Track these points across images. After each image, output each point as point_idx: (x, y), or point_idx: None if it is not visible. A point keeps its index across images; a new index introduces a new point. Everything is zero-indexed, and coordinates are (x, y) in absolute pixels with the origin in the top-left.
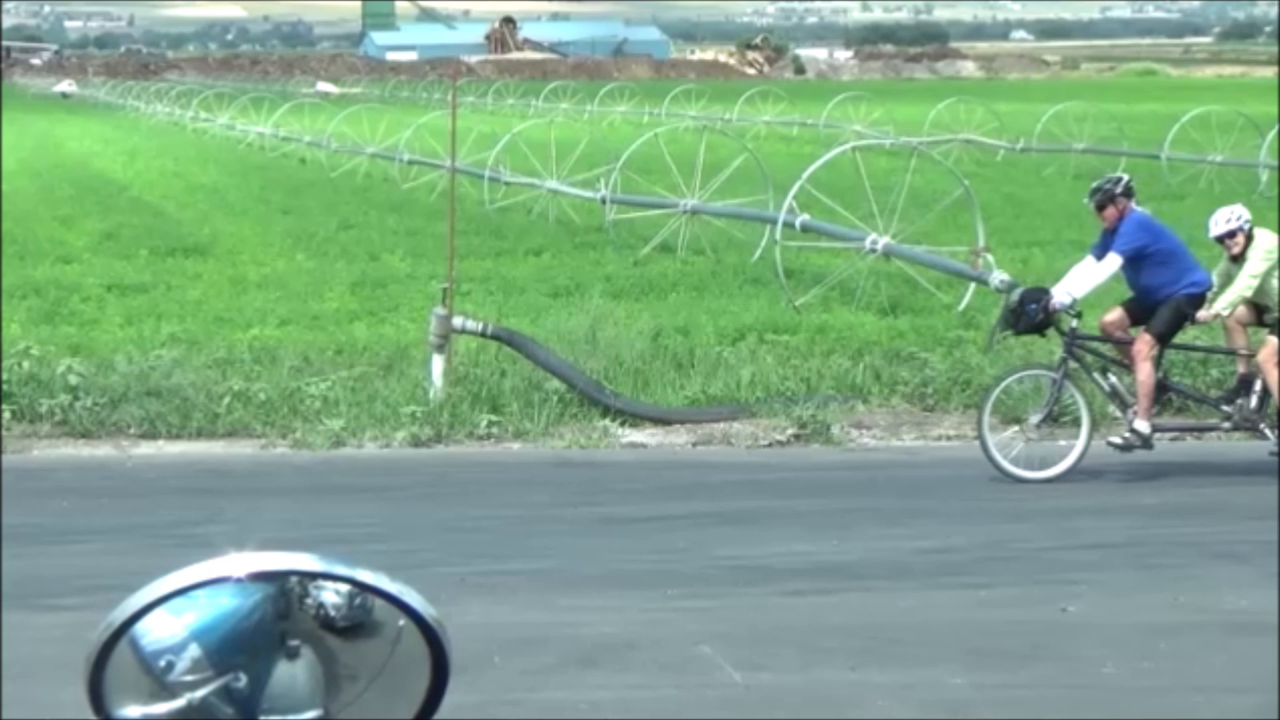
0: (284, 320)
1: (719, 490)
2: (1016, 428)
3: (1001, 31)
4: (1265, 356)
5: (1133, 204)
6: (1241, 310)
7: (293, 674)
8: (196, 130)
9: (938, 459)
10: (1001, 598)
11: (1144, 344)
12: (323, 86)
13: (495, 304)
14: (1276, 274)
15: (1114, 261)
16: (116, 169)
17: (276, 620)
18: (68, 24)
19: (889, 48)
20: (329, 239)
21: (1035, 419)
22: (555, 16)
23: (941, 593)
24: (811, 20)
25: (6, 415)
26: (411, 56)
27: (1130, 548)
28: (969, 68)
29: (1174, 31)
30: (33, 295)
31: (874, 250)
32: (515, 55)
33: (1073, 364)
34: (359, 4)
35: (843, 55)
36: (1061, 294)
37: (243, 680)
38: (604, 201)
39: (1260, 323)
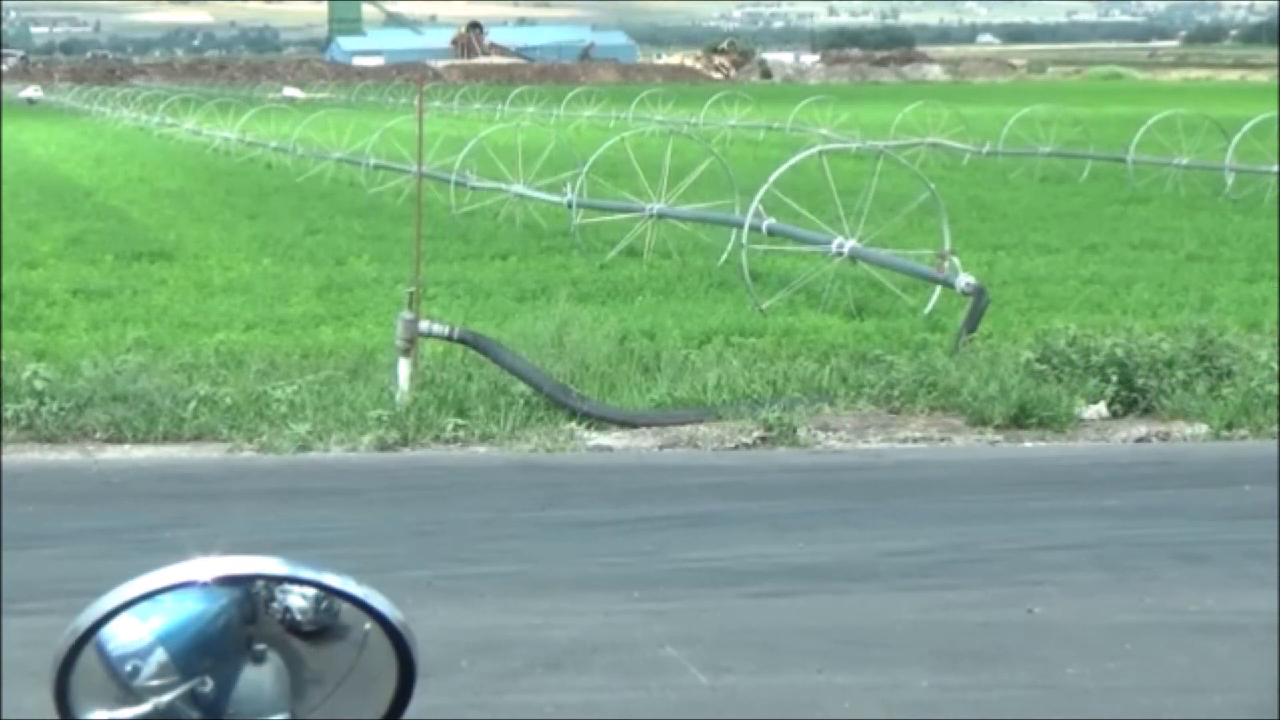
0: (250, 324)
1: (685, 493)
2: None
3: (968, 35)
4: None
5: None
6: None
7: (259, 678)
8: (162, 135)
9: (904, 461)
10: (967, 599)
11: None
12: (289, 91)
13: (462, 308)
14: None
15: None
16: (82, 174)
17: (243, 624)
18: (34, 30)
19: (855, 52)
20: (295, 243)
21: None
22: (522, 21)
23: (908, 594)
24: (778, 24)
25: None
26: (378, 61)
27: (1097, 548)
28: (935, 71)
29: (1140, 35)
30: None
31: (840, 253)
32: (482, 60)
33: None
34: (325, 9)
35: (809, 59)
36: None
37: (209, 684)
38: (570, 205)
39: None
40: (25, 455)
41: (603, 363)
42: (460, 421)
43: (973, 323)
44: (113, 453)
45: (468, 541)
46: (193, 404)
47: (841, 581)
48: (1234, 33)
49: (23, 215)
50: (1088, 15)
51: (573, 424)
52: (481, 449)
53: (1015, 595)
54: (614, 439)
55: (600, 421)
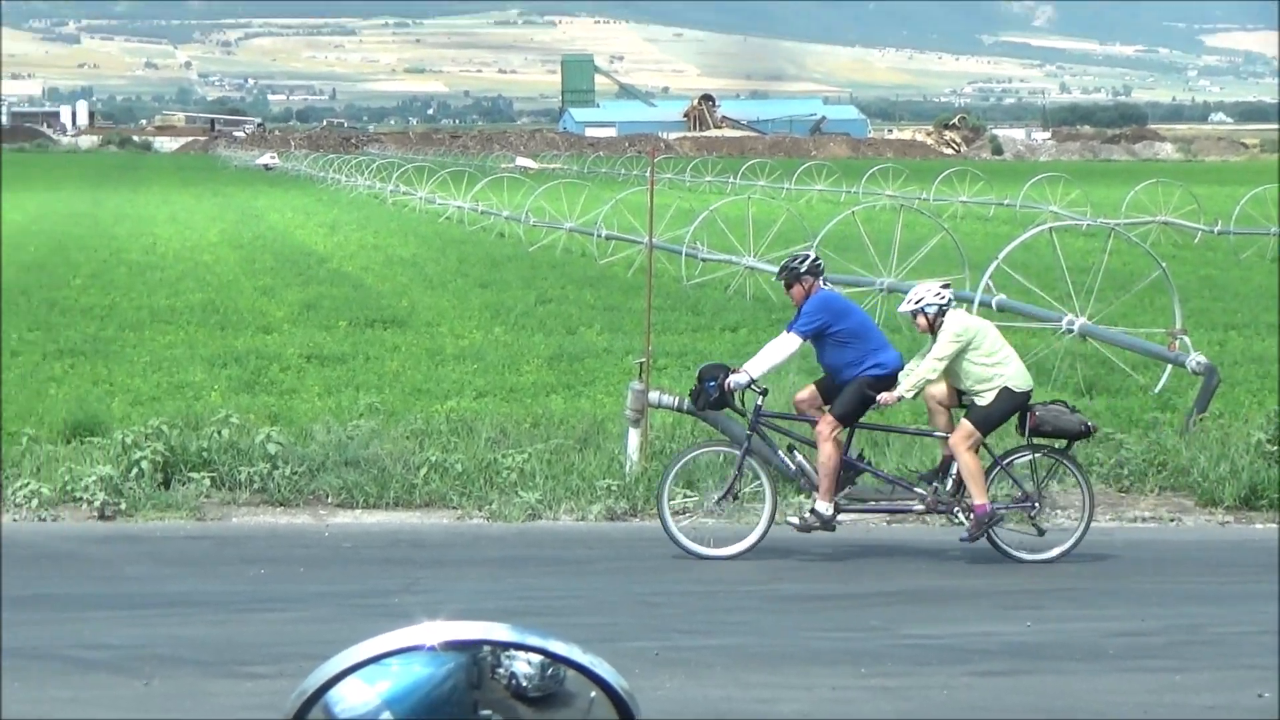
0: (481, 392)
1: (911, 568)
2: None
3: (1200, 114)
4: (956, 440)
5: (820, 283)
6: (942, 391)
7: None
8: (396, 203)
9: (1133, 540)
10: (1196, 683)
11: (826, 425)
12: (522, 161)
13: (691, 379)
14: (969, 357)
15: (791, 341)
16: (317, 241)
17: (469, 689)
18: (271, 97)
19: (1087, 129)
20: (526, 312)
21: (716, 495)
22: (754, 94)
23: (1135, 676)
24: (1009, 101)
25: (206, 483)
26: (611, 132)
27: None
28: (1167, 149)
29: None
30: (233, 364)
31: (1070, 331)
32: (713, 132)
33: (759, 440)
34: (559, 79)
35: (1040, 135)
36: (740, 373)
37: None
38: None
39: (961, 405)
40: (258, 518)
41: None
42: (689, 493)
43: (1204, 402)
44: (344, 517)
45: (695, 613)
46: (423, 470)
47: (1068, 661)
48: None
49: (258, 280)
50: None
51: (800, 496)
52: (709, 521)
53: (1244, 679)
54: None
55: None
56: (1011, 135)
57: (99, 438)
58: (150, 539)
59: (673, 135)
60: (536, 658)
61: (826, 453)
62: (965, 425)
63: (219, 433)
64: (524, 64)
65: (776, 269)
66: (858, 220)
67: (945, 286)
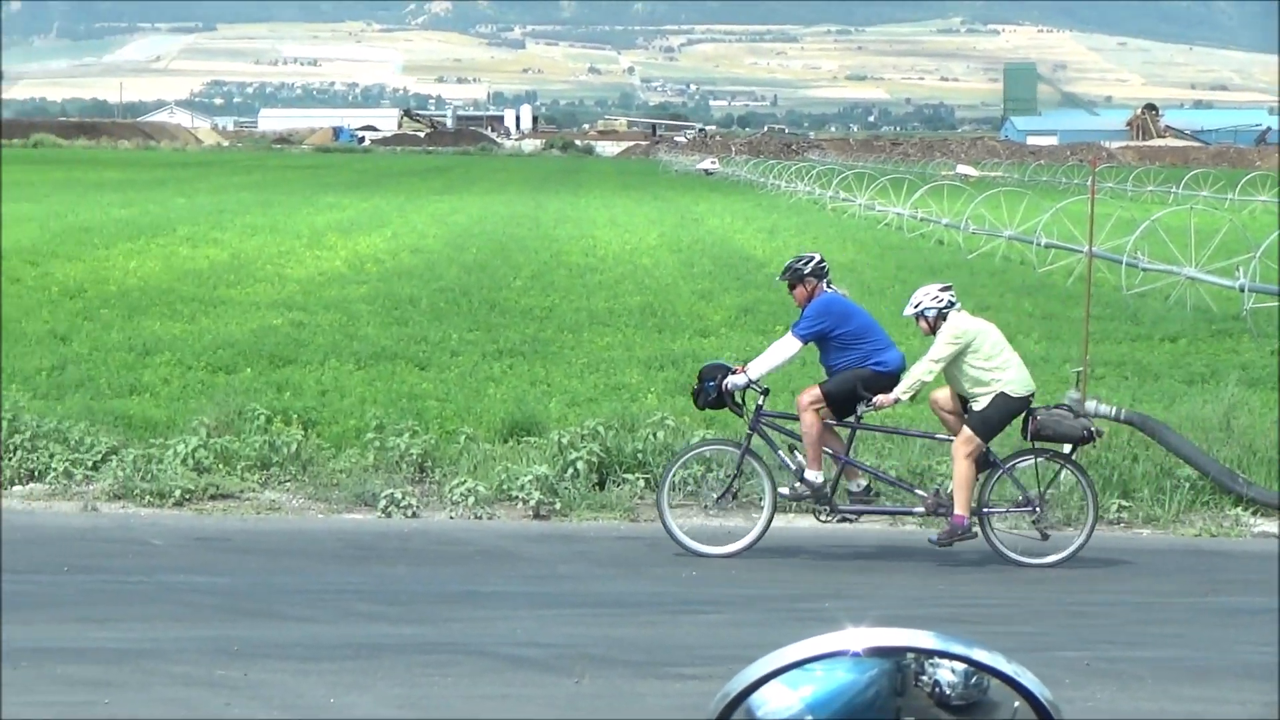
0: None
1: None
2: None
3: None
4: (956, 446)
5: (824, 285)
6: (946, 397)
7: None
8: (835, 209)
9: None
10: None
11: (807, 395)
12: (962, 169)
13: (1129, 389)
14: (968, 360)
15: (791, 343)
16: (756, 246)
17: (892, 696)
18: (713, 103)
19: None
20: None
21: (715, 495)
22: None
23: None
24: None
25: (640, 484)
26: (1052, 141)
27: None
28: None
29: None
30: (670, 366)
31: None
32: (1156, 142)
33: (759, 440)
34: (1001, 88)
35: None
36: (739, 373)
37: None
38: (1243, 290)
39: (965, 411)
40: (691, 520)
41: (1271, 448)
42: (1124, 503)
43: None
44: (778, 521)
45: (1126, 624)
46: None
47: None
48: None
49: (697, 284)
50: None
51: (1238, 510)
52: (1144, 531)
53: None
54: None
55: (1267, 508)
56: None
57: (535, 437)
58: (583, 539)
59: (1115, 144)
60: (960, 666)
61: (807, 422)
62: (966, 432)
63: (654, 435)
64: (966, 72)
65: (1235, 284)
66: None
67: (945, 289)
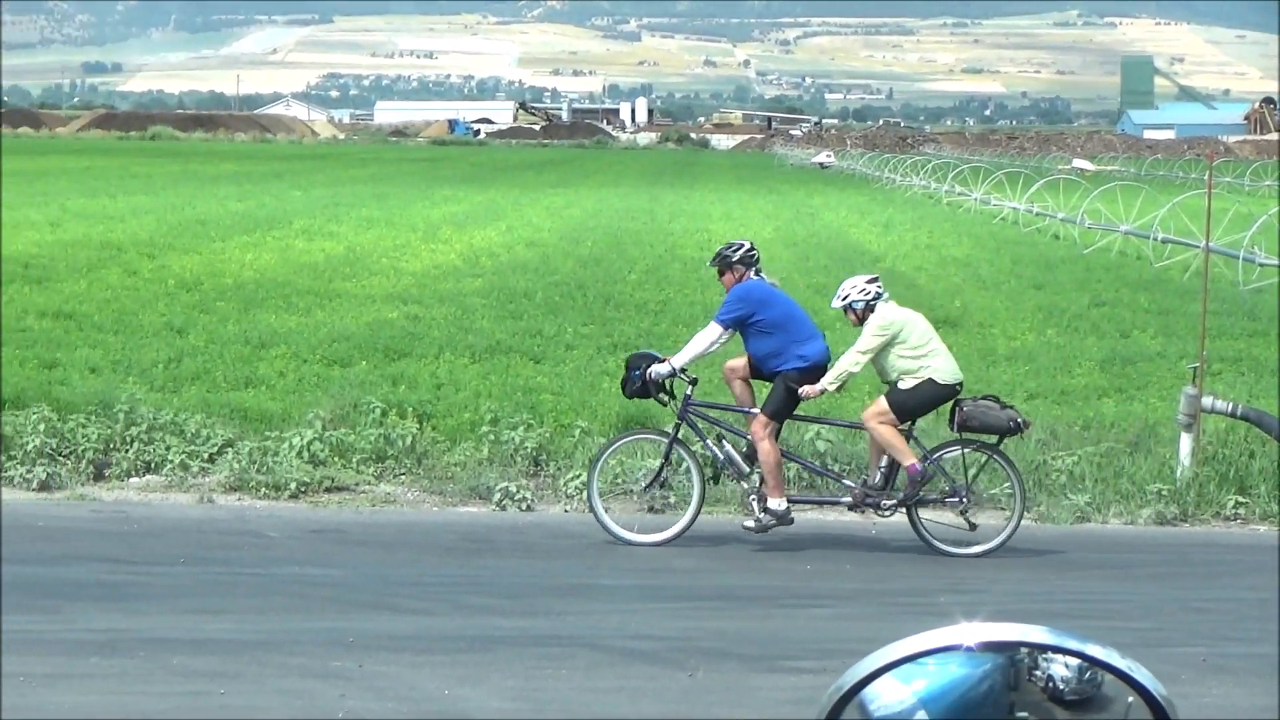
0: (1032, 394)
1: None
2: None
3: None
4: (868, 414)
5: (752, 272)
6: (742, 364)
7: None
8: (950, 204)
9: None
10: None
11: (759, 425)
12: (1078, 163)
13: (1246, 385)
14: (896, 350)
15: (712, 330)
16: (871, 240)
17: (1005, 691)
18: (828, 96)
19: None
20: (1079, 315)
21: (644, 483)
22: None
23: None
24: None
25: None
26: (1169, 135)
27: None
28: None
29: None
30: None
31: None
32: (1274, 136)
33: (688, 429)
34: (1117, 82)
35: None
36: (664, 363)
37: None
38: None
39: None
40: (805, 514)
41: None
42: (1241, 499)
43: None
44: (896, 516)
45: (1244, 620)
46: (973, 471)
47: None
48: None
49: (812, 279)
50: None
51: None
52: (1262, 528)
53: None
54: None
55: None
56: None
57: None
58: (697, 532)
59: (1232, 139)
60: (1074, 661)
61: (765, 450)
62: (881, 402)
63: None
64: (1082, 65)
65: None
66: None
67: (872, 281)
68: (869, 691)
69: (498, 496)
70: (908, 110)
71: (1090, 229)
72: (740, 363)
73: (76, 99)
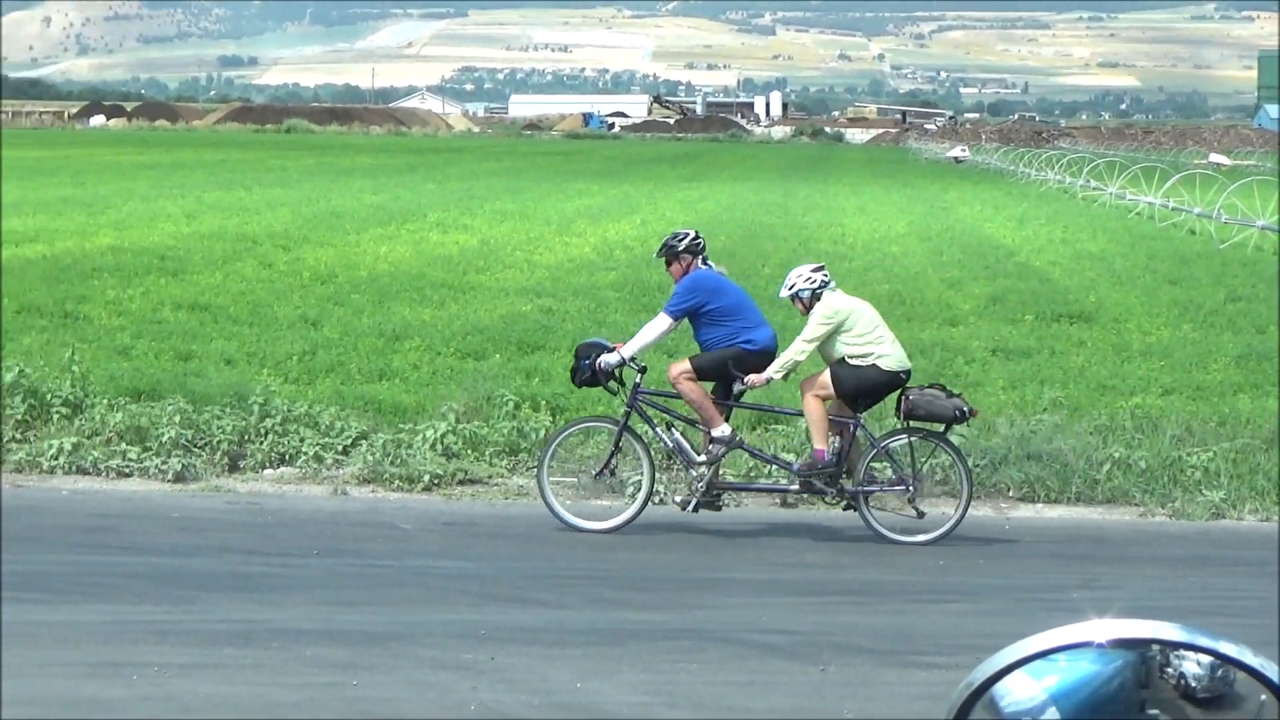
0: (1167, 389)
1: None
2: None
3: None
4: (805, 384)
5: (699, 262)
6: (824, 380)
7: None
8: (1085, 198)
9: None
10: None
11: (676, 367)
12: (1215, 158)
13: None
14: (842, 338)
15: (662, 320)
16: (1005, 234)
17: (1136, 688)
18: (963, 90)
19: None
20: (1216, 310)
21: (594, 470)
22: None
23: None
24: None
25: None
26: None
27: None
28: None
29: None
30: (918, 355)
31: None
32: None
33: (637, 418)
34: (1255, 76)
35: None
36: (613, 352)
37: None
38: None
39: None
40: (939, 509)
41: None
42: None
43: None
44: (1025, 511)
45: None
46: (1106, 466)
47: None
48: None
49: (946, 273)
50: None
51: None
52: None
53: None
54: None
55: None
56: None
57: (783, 426)
58: (830, 527)
59: None
60: (1206, 658)
61: (686, 390)
62: (822, 376)
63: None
64: (1219, 59)
65: None
66: None
67: (818, 269)
68: (1000, 687)
69: (630, 490)
70: (1043, 105)
71: (1227, 224)
72: (684, 365)
73: (213, 92)
